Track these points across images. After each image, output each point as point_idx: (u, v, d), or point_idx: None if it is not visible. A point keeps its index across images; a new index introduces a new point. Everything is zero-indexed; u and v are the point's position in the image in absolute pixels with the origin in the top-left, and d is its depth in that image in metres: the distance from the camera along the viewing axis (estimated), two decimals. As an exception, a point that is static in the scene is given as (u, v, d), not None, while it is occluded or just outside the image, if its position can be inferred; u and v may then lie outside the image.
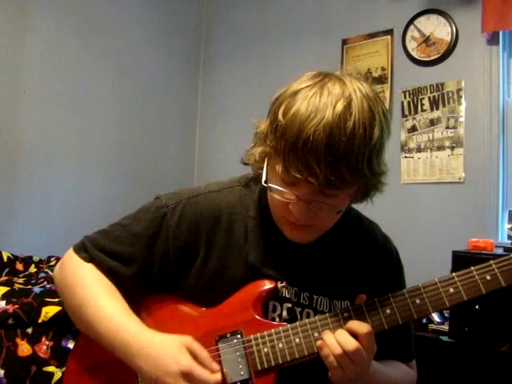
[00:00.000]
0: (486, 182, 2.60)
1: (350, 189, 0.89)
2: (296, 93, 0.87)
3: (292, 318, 0.97)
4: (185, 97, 3.82)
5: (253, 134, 0.99)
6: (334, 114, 0.81)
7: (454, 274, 0.87)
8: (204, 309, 0.97)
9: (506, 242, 2.44)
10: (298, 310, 0.98)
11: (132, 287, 1.00)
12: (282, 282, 0.96)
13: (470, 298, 0.86)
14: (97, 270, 0.99)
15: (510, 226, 2.47)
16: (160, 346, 0.87)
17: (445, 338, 2.14)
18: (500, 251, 2.23)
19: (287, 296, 0.98)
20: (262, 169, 0.95)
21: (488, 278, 0.85)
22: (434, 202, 2.76)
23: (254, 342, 0.92)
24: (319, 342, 0.87)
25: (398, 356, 1.06)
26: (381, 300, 0.90)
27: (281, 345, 0.90)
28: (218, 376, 0.86)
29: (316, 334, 0.90)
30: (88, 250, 1.01)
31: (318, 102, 0.83)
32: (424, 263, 2.61)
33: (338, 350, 0.85)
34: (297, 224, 0.92)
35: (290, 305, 0.98)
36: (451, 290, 0.87)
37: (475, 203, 2.61)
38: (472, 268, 0.87)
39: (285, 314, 0.97)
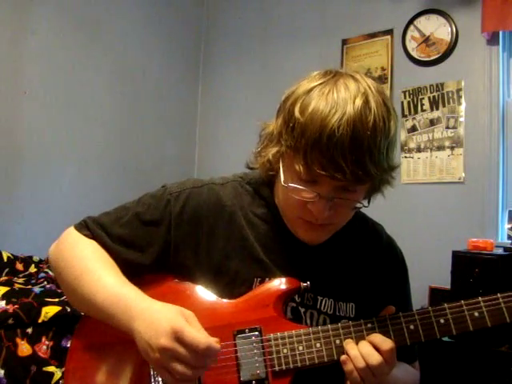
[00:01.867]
0: (485, 182, 2.60)
1: (369, 183, 0.90)
2: (310, 90, 0.87)
3: (296, 319, 0.96)
4: (185, 97, 3.82)
5: (258, 136, 0.98)
6: (355, 108, 0.82)
7: (480, 298, 0.87)
8: (222, 300, 0.96)
9: (506, 241, 2.44)
10: (302, 310, 0.98)
11: (132, 270, 0.99)
12: (305, 283, 0.95)
13: (494, 324, 0.86)
14: (98, 245, 0.98)
15: (509, 226, 2.48)
16: (158, 310, 0.84)
17: (445, 338, 2.14)
18: (500, 251, 2.23)
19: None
20: (274, 170, 0.94)
21: None
22: (434, 202, 2.76)
23: (273, 342, 0.90)
24: (343, 357, 0.87)
25: (402, 357, 1.06)
26: (405, 315, 0.89)
27: (301, 348, 0.89)
28: (215, 343, 0.80)
29: (337, 342, 0.89)
30: (90, 229, 1.00)
31: (337, 98, 0.84)
32: (424, 263, 2.61)
33: (362, 364, 0.85)
34: (314, 224, 0.91)
35: (294, 304, 0.97)
36: (476, 314, 0.86)
37: (475, 203, 2.61)
38: (499, 295, 0.87)
39: (289, 313, 0.97)
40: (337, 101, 0.83)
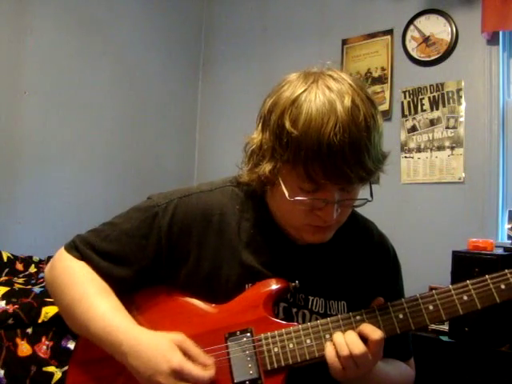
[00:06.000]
0: (485, 182, 2.60)
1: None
2: (295, 100, 0.85)
3: (288, 318, 0.96)
4: (185, 97, 3.82)
5: (243, 151, 0.96)
6: (346, 111, 0.82)
7: (468, 281, 0.87)
8: (213, 305, 0.96)
9: (506, 241, 2.44)
10: (294, 310, 0.98)
11: (124, 286, 0.99)
12: (293, 282, 0.95)
13: (484, 306, 0.85)
14: (88, 268, 0.98)
15: (510, 226, 2.47)
16: (150, 343, 0.86)
17: (445, 338, 2.14)
18: (500, 251, 2.23)
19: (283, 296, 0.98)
20: (270, 184, 0.93)
21: (502, 287, 0.85)
22: (434, 202, 2.75)
23: (264, 342, 0.91)
24: (327, 345, 0.87)
25: (396, 355, 1.06)
26: (394, 304, 0.89)
27: (291, 345, 0.90)
28: (211, 370, 0.86)
29: (327, 336, 0.89)
30: (79, 249, 1.00)
31: (325, 104, 0.83)
32: (424, 263, 2.61)
33: (345, 352, 0.84)
34: (322, 227, 0.91)
35: (286, 305, 0.98)
36: (465, 297, 0.86)
37: (475, 203, 2.61)
38: (487, 276, 0.86)
39: (281, 314, 0.97)
40: (326, 106, 0.83)
